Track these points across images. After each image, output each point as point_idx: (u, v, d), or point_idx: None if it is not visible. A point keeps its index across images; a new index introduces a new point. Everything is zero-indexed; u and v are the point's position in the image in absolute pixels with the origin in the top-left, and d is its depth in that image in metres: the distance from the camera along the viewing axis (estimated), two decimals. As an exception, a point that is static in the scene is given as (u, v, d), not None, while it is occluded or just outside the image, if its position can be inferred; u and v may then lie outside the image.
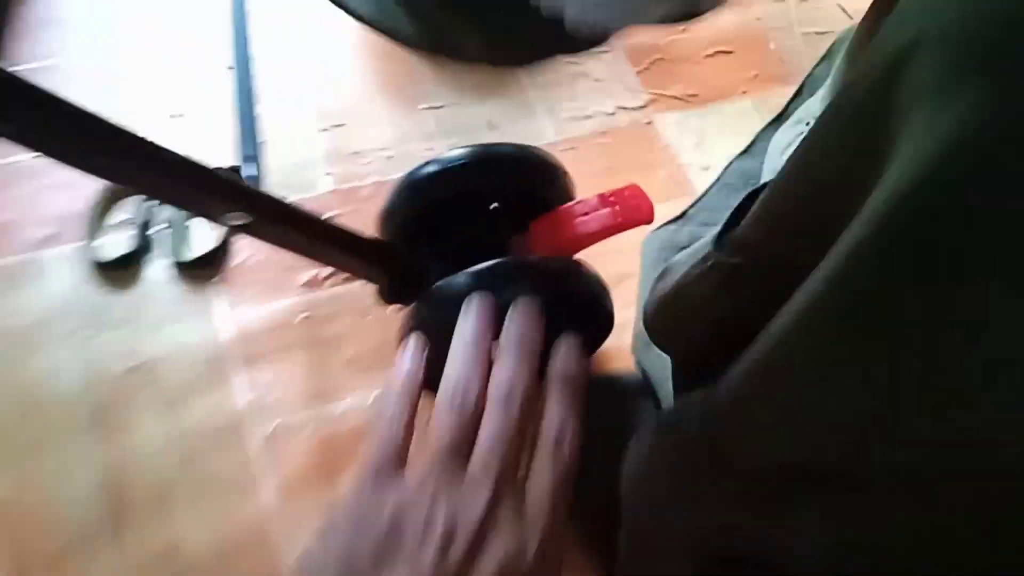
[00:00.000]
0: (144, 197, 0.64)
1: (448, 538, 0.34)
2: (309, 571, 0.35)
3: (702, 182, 0.71)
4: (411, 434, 0.40)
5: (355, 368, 0.61)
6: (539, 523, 0.36)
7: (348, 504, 0.36)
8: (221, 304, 0.62)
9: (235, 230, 0.43)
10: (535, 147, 0.57)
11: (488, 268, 0.50)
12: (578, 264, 0.52)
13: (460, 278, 0.49)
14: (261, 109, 0.70)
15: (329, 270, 0.64)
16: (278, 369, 0.60)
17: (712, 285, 0.40)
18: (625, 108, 0.75)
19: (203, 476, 0.56)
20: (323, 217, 0.47)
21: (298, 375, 0.60)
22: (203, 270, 0.63)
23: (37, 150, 0.35)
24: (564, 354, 0.43)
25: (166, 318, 0.61)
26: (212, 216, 0.42)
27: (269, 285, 0.63)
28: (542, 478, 0.38)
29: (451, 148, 0.55)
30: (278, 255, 0.63)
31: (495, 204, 0.56)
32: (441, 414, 0.39)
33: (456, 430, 0.38)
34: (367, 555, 0.34)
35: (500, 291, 0.48)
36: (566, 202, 0.57)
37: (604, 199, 0.56)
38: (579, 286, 0.51)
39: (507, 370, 0.40)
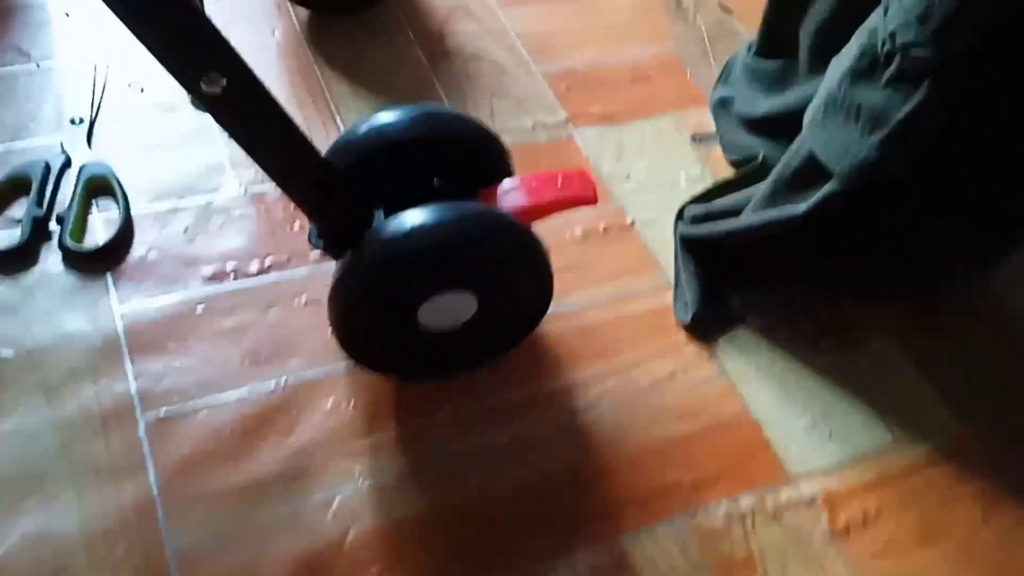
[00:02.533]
0: (39, 192, 0.62)
1: None
2: None
3: (623, 189, 0.71)
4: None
5: (253, 358, 0.58)
6: None
7: None
8: (115, 295, 0.59)
9: (200, 103, 0.41)
10: (477, 118, 0.56)
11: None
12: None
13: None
14: (172, 117, 0.70)
15: (233, 264, 0.62)
16: (172, 359, 0.57)
17: None
18: (545, 124, 0.75)
19: (81, 463, 0.52)
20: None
21: (192, 365, 0.57)
22: (99, 263, 0.60)
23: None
24: None
25: (55, 308, 0.58)
26: (187, 73, 0.40)
27: (168, 278, 0.61)
28: None
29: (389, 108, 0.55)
30: (180, 250, 0.62)
31: (438, 180, 0.55)
32: None
33: None
34: None
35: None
36: (507, 176, 0.56)
37: (552, 174, 0.56)
38: None
39: None
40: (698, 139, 0.76)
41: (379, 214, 0.53)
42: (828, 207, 0.55)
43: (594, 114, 0.76)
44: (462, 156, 0.56)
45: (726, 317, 0.64)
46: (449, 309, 0.53)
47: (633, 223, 0.69)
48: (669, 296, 0.65)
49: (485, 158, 0.57)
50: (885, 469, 0.58)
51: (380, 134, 0.54)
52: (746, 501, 0.56)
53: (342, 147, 0.54)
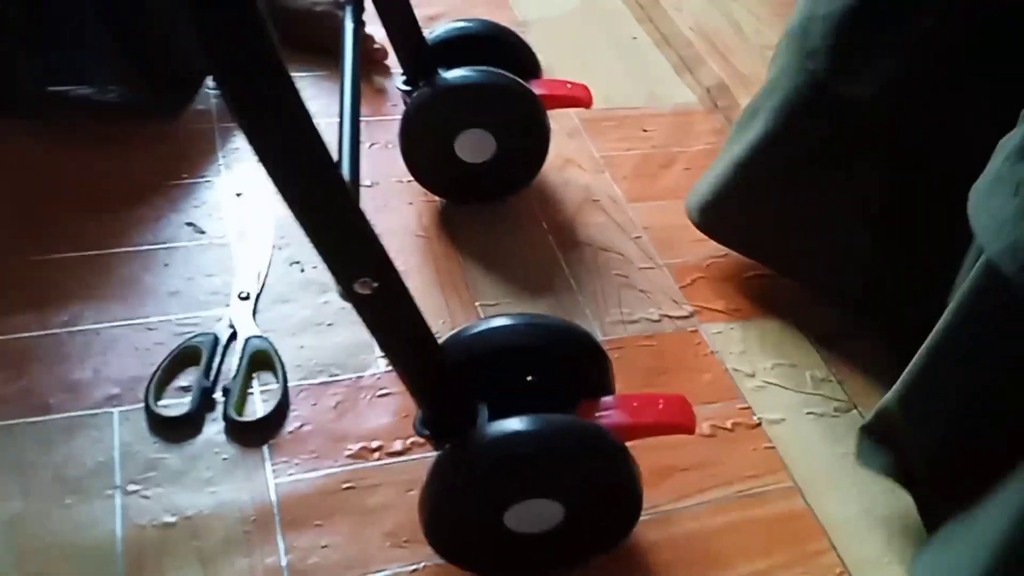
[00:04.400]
0: (207, 364, 0.67)
1: None
2: None
3: (748, 387, 0.73)
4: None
5: (394, 540, 0.60)
6: None
7: None
8: (269, 468, 0.63)
9: (349, 298, 0.45)
10: (584, 329, 0.60)
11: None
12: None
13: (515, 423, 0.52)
14: (326, 297, 0.75)
15: (379, 443, 0.65)
16: (319, 535, 0.59)
17: None
18: (670, 316, 0.78)
19: (230, 638, 0.54)
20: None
21: (338, 543, 0.59)
22: (257, 434, 0.65)
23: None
24: None
25: (214, 478, 0.62)
26: (344, 273, 0.45)
27: (318, 453, 0.64)
28: None
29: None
30: (329, 426, 0.66)
31: (531, 377, 0.58)
32: None
33: None
34: None
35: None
36: (608, 392, 0.59)
37: (654, 397, 0.59)
38: None
39: None
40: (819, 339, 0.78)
41: (483, 411, 0.55)
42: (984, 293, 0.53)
43: (718, 310, 0.80)
44: (564, 366, 0.59)
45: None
46: (536, 515, 0.55)
47: (760, 422, 0.71)
48: (798, 500, 0.66)
49: (590, 370, 0.60)
50: None
51: (491, 338, 0.59)
52: None
53: (455, 343, 0.59)
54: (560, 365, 0.59)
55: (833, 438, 0.71)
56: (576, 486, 0.55)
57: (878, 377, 0.74)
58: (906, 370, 0.59)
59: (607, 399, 0.58)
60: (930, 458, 0.60)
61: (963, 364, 0.56)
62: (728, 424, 0.70)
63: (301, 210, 0.44)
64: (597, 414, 0.57)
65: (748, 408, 0.72)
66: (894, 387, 0.60)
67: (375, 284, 0.46)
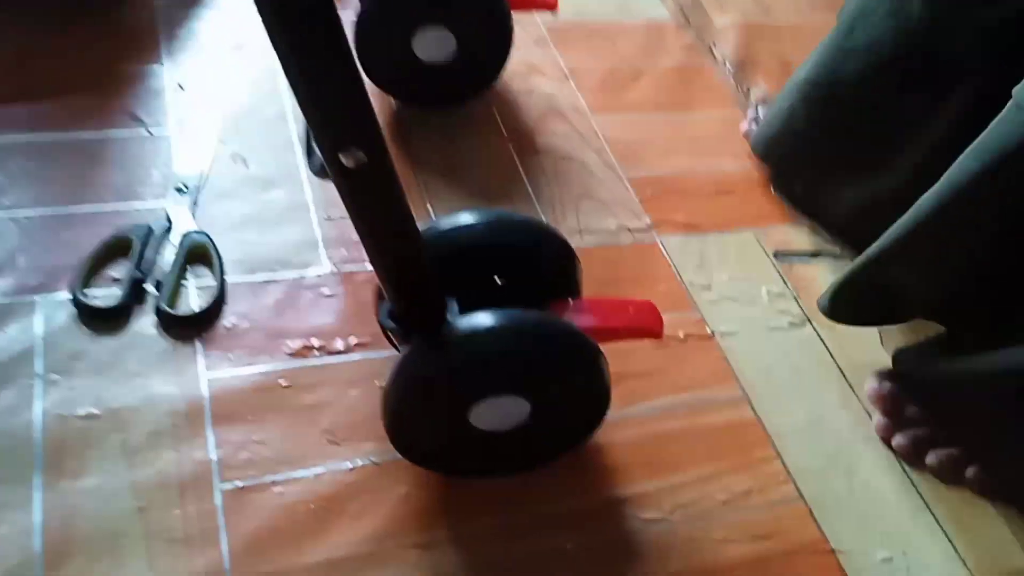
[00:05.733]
0: (139, 255, 0.64)
1: None
2: None
3: (703, 299, 0.72)
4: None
5: (331, 437, 0.58)
6: None
7: None
8: (202, 362, 0.60)
9: (324, 172, 0.42)
10: (555, 229, 0.58)
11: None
12: None
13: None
14: (270, 194, 0.72)
15: (320, 342, 0.63)
16: (251, 430, 0.57)
17: None
18: (628, 228, 0.76)
19: (156, 528, 0.52)
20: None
21: (271, 439, 0.57)
22: (190, 328, 0.62)
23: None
24: None
25: (143, 371, 0.59)
26: (331, 141, 0.41)
27: (254, 350, 0.62)
28: None
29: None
30: (268, 323, 0.63)
31: (501, 281, 0.56)
32: None
33: None
34: None
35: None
36: (576, 295, 0.57)
37: (624, 302, 0.57)
38: None
39: None
40: (781, 256, 0.76)
41: (452, 305, 0.53)
42: None
43: (678, 222, 0.78)
44: (535, 264, 0.57)
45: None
46: (503, 412, 0.53)
47: (713, 334, 0.69)
48: (745, 410, 0.65)
49: (561, 271, 0.58)
50: (967, 614, 0.56)
51: (459, 234, 0.56)
52: (821, 635, 0.54)
53: (430, 235, 0.55)
54: (531, 264, 0.57)
55: (785, 351, 0.70)
56: (547, 384, 0.53)
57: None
58: (910, 218, 0.60)
59: (576, 301, 0.56)
60: (947, 295, 0.64)
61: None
62: (681, 335, 0.69)
63: (298, 61, 0.39)
64: (567, 315, 0.55)
65: (702, 319, 0.70)
66: (892, 236, 0.61)
67: (363, 157, 0.42)
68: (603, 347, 0.53)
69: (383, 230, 0.48)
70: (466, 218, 0.56)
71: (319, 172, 0.44)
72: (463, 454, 0.56)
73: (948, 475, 0.63)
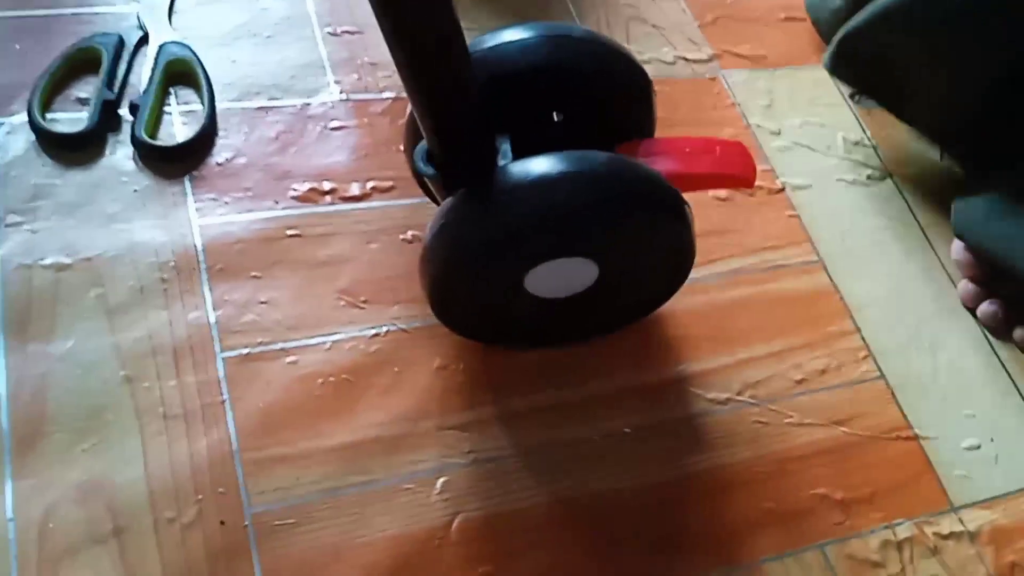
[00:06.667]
0: (109, 71, 0.52)
1: None
2: None
3: (772, 146, 0.62)
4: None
5: (351, 299, 0.49)
6: None
7: None
8: (192, 205, 0.50)
9: None
10: (627, 51, 0.47)
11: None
12: None
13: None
14: (264, 2, 0.60)
15: (331, 185, 0.53)
16: (256, 288, 0.48)
17: None
18: (687, 59, 0.65)
19: (149, 402, 0.44)
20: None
21: (280, 299, 0.48)
22: (176, 162, 0.51)
23: None
24: None
25: (121, 213, 0.49)
26: None
27: (255, 192, 0.51)
28: None
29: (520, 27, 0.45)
30: (269, 160, 0.53)
31: (560, 115, 0.46)
32: None
33: None
34: None
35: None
36: (648, 135, 0.47)
37: (709, 142, 0.47)
38: None
39: None
40: (858, 98, 0.66)
41: (505, 148, 0.43)
42: None
43: (743, 55, 0.66)
44: (600, 95, 0.46)
45: None
46: (565, 276, 0.44)
47: (784, 187, 0.60)
48: (820, 277, 0.57)
49: (628, 102, 0.47)
50: (1058, 507, 0.51)
51: (511, 54, 0.44)
52: (903, 529, 0.48)
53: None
54: (599, 95, 0.46)
55: (864, 209, 0.61)
56: (620, 244, 0.44)
57: (919, 143, 0.64)
58: None
59: (650, 141, 0.46)
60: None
61: None
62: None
63: None
64: (641, 158, 0.45)
65: (771, 170, 0.61)
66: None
67: None
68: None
69: (423, 45, 0.37)
70: (515, 34, 0.45)
71: None
72: (517, 324, 0.48)
73: (1039, 351, 0.57)
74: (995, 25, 0.54)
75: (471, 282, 0.44)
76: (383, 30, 0.36)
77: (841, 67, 0.61)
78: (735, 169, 0.46)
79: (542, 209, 0.41)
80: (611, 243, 0.44)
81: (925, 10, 0.54)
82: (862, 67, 0.61)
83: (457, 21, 0.36)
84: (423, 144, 0.43)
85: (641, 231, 0.44)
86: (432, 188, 0.46)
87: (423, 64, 0.38)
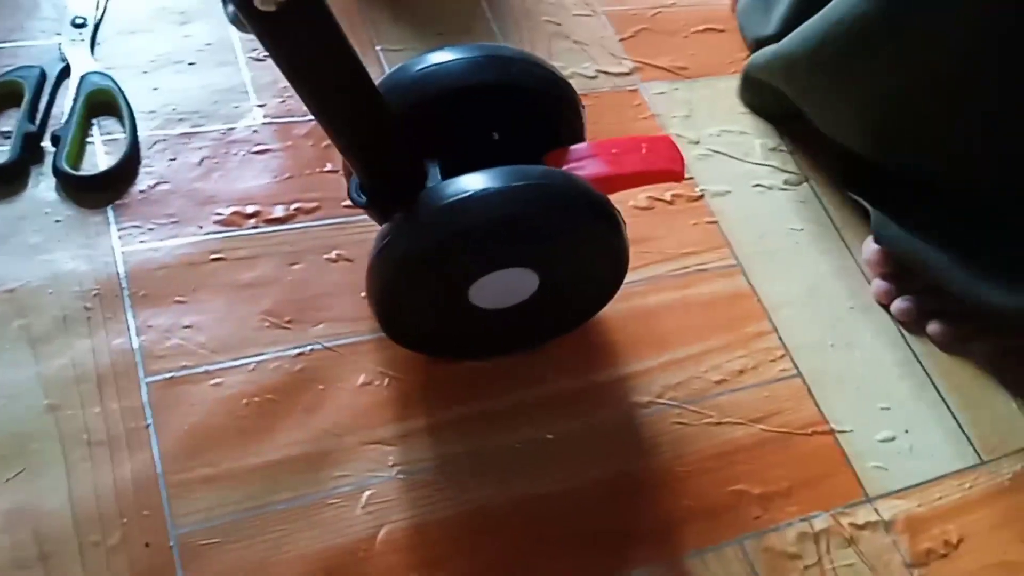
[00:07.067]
0: (31, 104, 0.53)
1: None
2: None
3: (691, 155, 0.64)
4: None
5: (275, 320, 0.50)
6: None
7: None
8: (115, 233, 0.51)
9: (243, 20, 0.33)
10: (551, 66, 0.48)
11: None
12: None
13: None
14: (187, 29, 0.60)
15: (255, 207, 0.54)
16: (180, 313, 0.49)
17: None
18: (608, 73, 0.67)
19: (73, 429, 0.44)
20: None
21: (205, 323, 0.49)
22: (98, 192, 0.52)
23: None
24: None
25: (44, 244, 0.49)
26: None
27: (179, 217, 0.52)
28: None
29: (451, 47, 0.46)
30: (192, 185, 0.54)
31: (497, 134, 0.47)
32: None
33: None
34: None
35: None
36: (579, 142, 0.49)
37: (635, 140, 0.48)
38: None
39: None
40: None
41: (434, 171, 0.45)
42: None
43: (663, 67, 0.68)
44: (531, 109, 0.47)
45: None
46: (507, 286, 0.46)
47: (703, 194, 0.62)
48: (739, 280, 0.59)
49: (557, 114, 0.48)
50: (970, 492, 0.53)
51: (438, 77, 0.45)
52: (820, 521, 0.50)
53: (392, 88, 0.45)
54: (522, 108, 0.47)
55: (781, 213, 0.63)
56: (556, 251, 0.46)
57: (833, 150, 0.66)
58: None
59: (578, 147, 0.47)
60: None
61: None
62: (668, 196, 0.61)
63: None
64: (569, 166, 0.47)
65: (691, 178, 0.63)
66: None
67: None
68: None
69: (325, 87, 0.38)
70: (445, 56, 0.46)
71: (235, 22, 0.34)
72: (463, 336, 0.50)
73: (951, 345, 0.59)
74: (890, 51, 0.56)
75: (414, 297, 0.46)
76: (287, 79, 0.37)
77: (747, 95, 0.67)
78: (663, 164, 0.47)
79: (468, 225, 0.42)
80: (545, 252, 0.45)
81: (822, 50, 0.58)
82: (768, 96, 0.65)
83: (354, 59, 0.38)
84: (355, 177, 0.44)
85: (573, 237, 0.46)
86: (370, 216, 0.47)
87: (327, 105, 0.39)
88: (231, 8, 0.35)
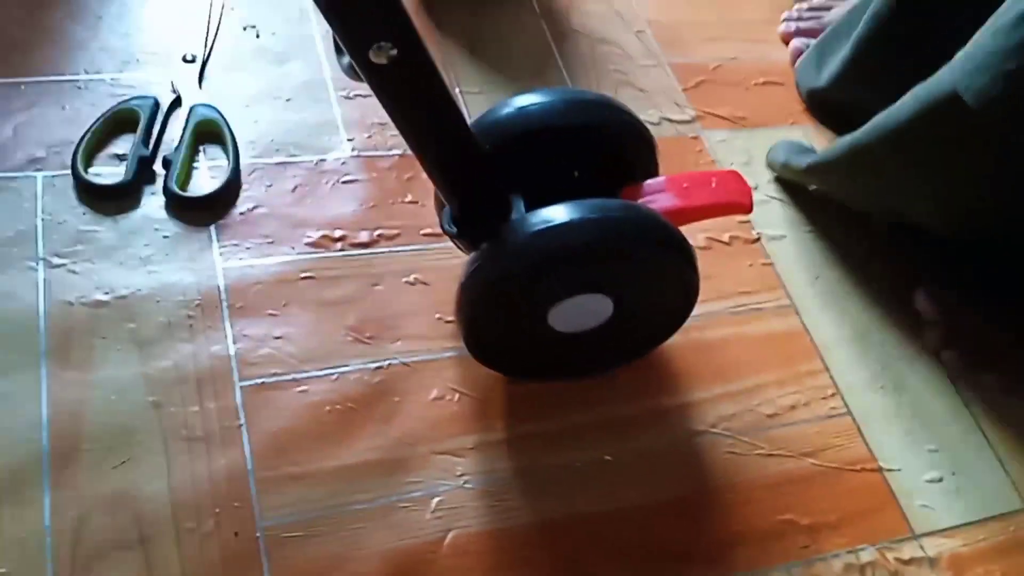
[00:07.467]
0: (145, 130, 0.58)
1: None
2: None
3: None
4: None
5: (358, 335, 0.54)
6: None
7: None
8: (217, 250, 0.56)
9: (356, 71, 0.38)
10: (626, 107, 0.52)
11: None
12: None
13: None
14: (285, 68, 0.66)
15: (342, 232, 0.58)
16: (272, 325, 0.53)
17: None
18: (671, 120, 0.71)
19: (173, 425, 0.48)
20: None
21: (294, 334, 0.53)
22: (203, 212, 0.57)
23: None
24: None
25: (153, 256, 0.54)
26: (357, 40, 0.37)
27: (273, 238, 0.57)
28: None
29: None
30: (286, 210, 0.58)
31: (579, 172, 0.51)
32: None
33: None
34: None
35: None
36: (654, 173, 0.53)
37: (705, 176, 0.52)
38: None
39: None
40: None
41: (518, 204, 0.49)
42: None
43: (723, 116, 0.72)
44: (609, 148, 0.52)
45: None
46: (583, 311, 0.49)
47: (759, 237, 0.65)
48: (792, 319, 0.61)
49: (633, 152, 0.52)
50: (1014, 535, 0.54)
51: (524, 118, 0.50)
52: (866, 554, 0.52)
53: (483, 129, 0.50)
54: (601, 147, 0.51)
55: (834, 257, 0.66)
56: (630, 278, 0.49)
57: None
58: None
59: (652, 182, 0.51)
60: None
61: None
62: (726, 237, 0.64)
63: None
64: (644, 199, 0.51)
65: (748, 222, 0.66)
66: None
67: (393, 51, 0.37)
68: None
69: (427, 128, 0.43)
70: (522, 100, 0.50)
71: (349, 72, 0.39)
72: (541, 358, 0.53)
73: (1001, 395, 0.60)
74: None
75: (498, 318, 0.49)
76: (393, 120, 0.42)
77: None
78: (732, 197, 0.51)
79: (549, 254, 0.46)
80: (621, 279, 0.49)
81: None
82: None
83: (452, 104, 0.42)
84: (447, 208, 0.48)
85: (648, 267, 0.49)
86: (457, 245, 0.51)
87: (428, 144, 0.44)
88: (346, 60, 0.39)
